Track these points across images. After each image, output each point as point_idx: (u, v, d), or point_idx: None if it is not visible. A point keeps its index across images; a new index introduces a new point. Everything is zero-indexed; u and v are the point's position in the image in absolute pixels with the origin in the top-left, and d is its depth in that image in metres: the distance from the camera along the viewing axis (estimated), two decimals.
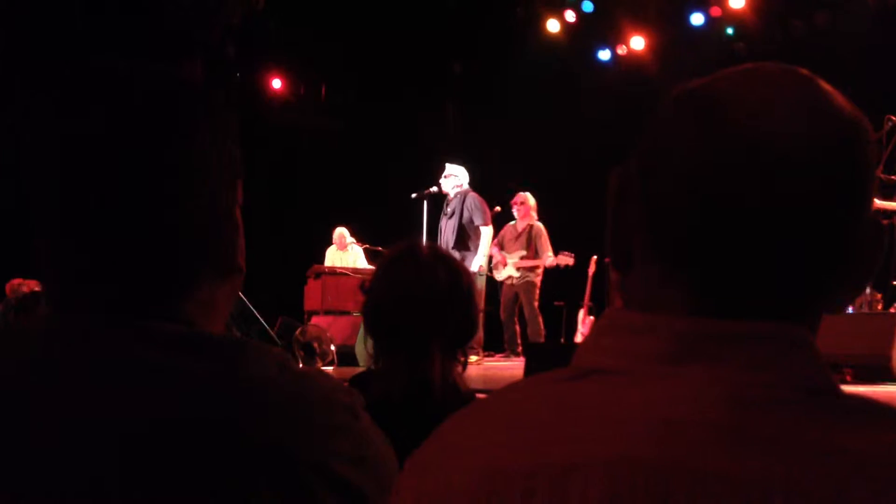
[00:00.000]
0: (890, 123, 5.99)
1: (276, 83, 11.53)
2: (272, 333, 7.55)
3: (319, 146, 11.23)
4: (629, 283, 0.68)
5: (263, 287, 7.19)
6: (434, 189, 7.90)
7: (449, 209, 7.84)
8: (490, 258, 8.05)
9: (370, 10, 10.01)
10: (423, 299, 1.69)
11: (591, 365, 0.64)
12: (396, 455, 0.82)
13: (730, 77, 0.66)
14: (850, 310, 6.04)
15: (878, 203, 5.59)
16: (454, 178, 7.85)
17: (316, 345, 7.36)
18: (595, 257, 8.85)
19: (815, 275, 0.63)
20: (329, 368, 6.94)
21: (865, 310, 6.13)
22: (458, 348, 1.75)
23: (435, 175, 8.02)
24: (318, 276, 8.57)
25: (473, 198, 7.77)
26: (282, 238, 10.29)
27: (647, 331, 0.63)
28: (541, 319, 8.20)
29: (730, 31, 10.03)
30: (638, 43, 10.30)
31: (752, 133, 0.62)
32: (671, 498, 0.54)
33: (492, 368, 7.17)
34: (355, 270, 8.59)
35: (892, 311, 6.15)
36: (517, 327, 8.40)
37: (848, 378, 5.27)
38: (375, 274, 1.81)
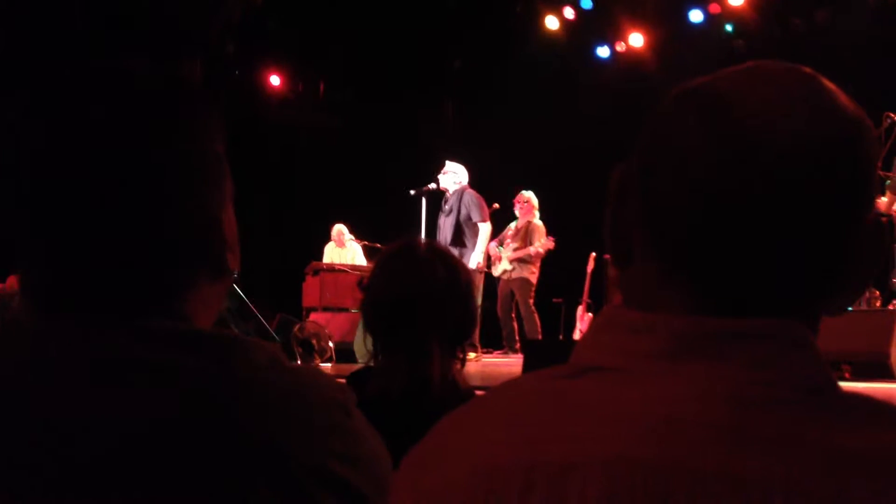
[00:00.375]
0: (889, 121, 5.99)
1: (275, 80, 11.51)
2: (270, 330, 7.55)
3: (318, 143, 11.22)
4: (628, 281, 0.68)
5: (262, 283, 7.18)
6: (432, 185, 7.88)
7: (447, 206, 7.83)
8: (488, 255, 8.05)
9: (369, 7, 9.99)
10: (422, 296, 1.69)
11: (590, 362, 0.64)
12: (394, 452, 0.82)
13: (732, 75, 0.66)
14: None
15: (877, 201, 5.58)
16: (453, 175, 7.83)
17: (314, 341, 7.35)
18: (594, 254, 8.85)
19: (816, 274, 0.63)
20: (327, 365, 6.93)
21: (864, 307, 6.13)
22: (457, 345, 1.75)
23: (434, 173, 8.01)
24: (316, 272, 8.56)
25: (471, 195, 7.75)
26: (280, 235, 10.29)
27: (646, 329, 0.62)
28: (537, 317, 8.19)
29: (729, 28, 10.02)
30: (637, 40, 10.28)
31: (754, 131, 0.61)
32: (671, 498, 0.54)
33: (490, 365, 7.15)
34: (354, 267, 8.59)
35: (890, 308, 6.14)
36: (515, 324, 8.40)
37: (846, 375, 5.26)
38: (374, 271, 1.81)
